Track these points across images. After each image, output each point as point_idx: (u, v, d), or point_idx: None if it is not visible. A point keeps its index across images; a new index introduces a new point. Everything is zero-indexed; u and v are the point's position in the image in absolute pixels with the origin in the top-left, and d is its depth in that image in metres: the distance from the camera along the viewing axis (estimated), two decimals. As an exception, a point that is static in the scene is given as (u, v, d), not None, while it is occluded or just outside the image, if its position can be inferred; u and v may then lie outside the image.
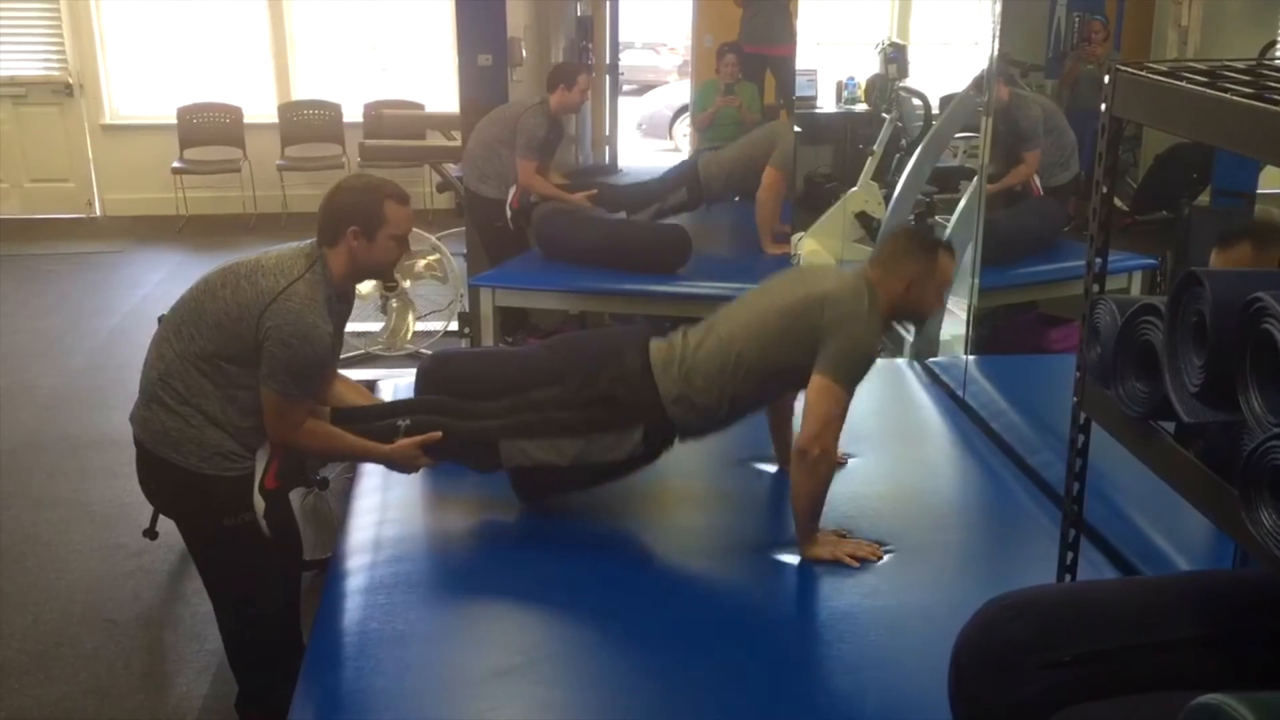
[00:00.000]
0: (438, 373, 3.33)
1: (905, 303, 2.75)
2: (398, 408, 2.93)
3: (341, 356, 2.96)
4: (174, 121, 8.42)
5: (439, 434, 2.75)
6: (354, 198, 2.63)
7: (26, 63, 8.52)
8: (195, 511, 2.73)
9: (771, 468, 3.11)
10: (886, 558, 2.66)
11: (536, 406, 2.82)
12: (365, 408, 2.92)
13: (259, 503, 2.80)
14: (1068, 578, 2.06)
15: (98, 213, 8.75)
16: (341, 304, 2.72)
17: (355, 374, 3.26)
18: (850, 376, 2.63)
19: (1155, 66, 1.70)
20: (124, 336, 6.06)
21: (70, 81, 8.53)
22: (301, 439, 2.68)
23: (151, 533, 3.78)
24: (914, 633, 2.41)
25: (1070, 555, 2.05)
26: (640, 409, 2.72)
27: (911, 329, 4.15)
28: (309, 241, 2.66)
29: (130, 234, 8.28)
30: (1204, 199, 3.49)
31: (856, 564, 2.61)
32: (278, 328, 2.50)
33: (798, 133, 6.42)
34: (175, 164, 8.36)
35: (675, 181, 5.35)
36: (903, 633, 2.42)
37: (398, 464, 2.79)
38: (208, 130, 8.52)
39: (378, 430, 2.78)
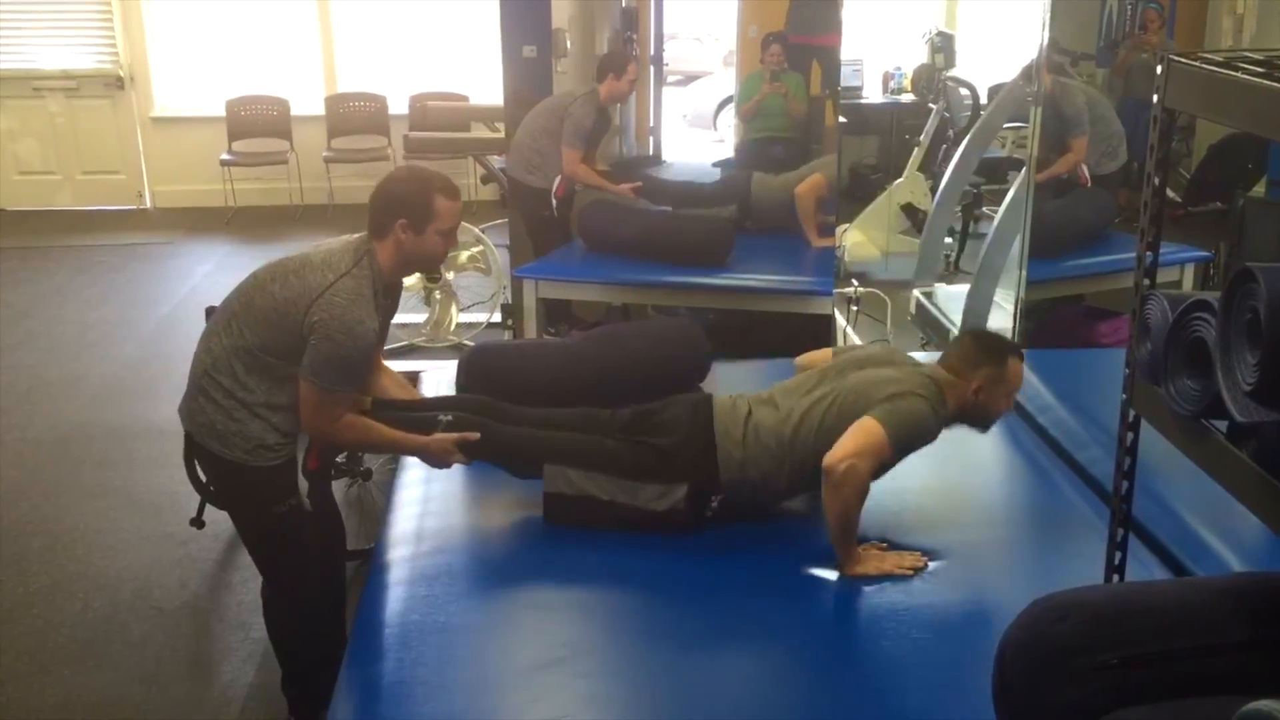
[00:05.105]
0: (479, 364, 3.34)
1: (974, 406, 2.73)
2: (441, 404, 2.93)
3: (385, 348, 2.96)
4: (222, 114, 8.50)
5: (477, 435, 2.74)
6: (404, 189, 2.61)
7: (78, 56, 8.64)
8: (245, 502, 2.76)
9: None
10: (929, 553, 2.63)
11: (585, 427, 2.81)
12: (407, 401, 2.92)
13: (303, 484, 2.81)
14: (1116, 578, 2.03)
15: (148, 204, 8.84)
16: (387, 298, 2.72)
17: (398, 365, 3.27)
18: (898, 428, 2.57)
19: (1210, 56, 1.66)
20: (173, 327, 6.13)
21: (121, 75, 8.62)
22: (339, 431, 2.68)
23: (198, 522, 3.83)
24: (958, 632, 2.39)
25: (1119, 555, 2.02)
26: (691, 466, 2.71)
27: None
28: (358, 235, 2.66)
29: (180, 225, 8.37)
30: (1259, 190, 3.42)
31: (911, 572, 2.57)
32: (323, 322, 2.51)
33: (842, 123, 6.37)
34: (224, 156, 8.44)
35: (726, 194, 5.30)
36: (946, 632, 2.39)
37: (432, 457, 2.79)
38: (255, 123, 8.60)
39: (417, 422, 2.77)
